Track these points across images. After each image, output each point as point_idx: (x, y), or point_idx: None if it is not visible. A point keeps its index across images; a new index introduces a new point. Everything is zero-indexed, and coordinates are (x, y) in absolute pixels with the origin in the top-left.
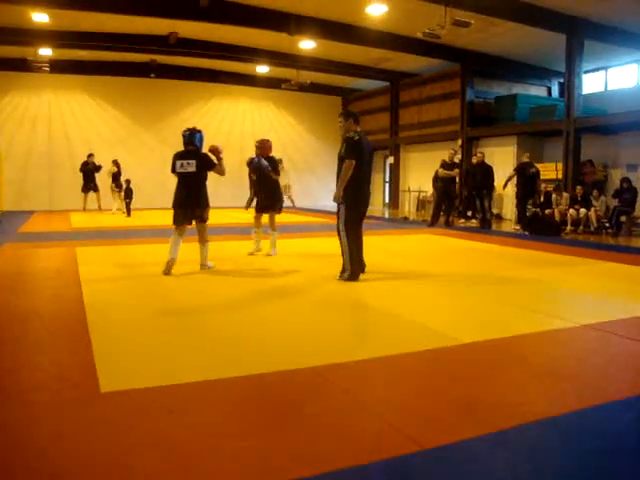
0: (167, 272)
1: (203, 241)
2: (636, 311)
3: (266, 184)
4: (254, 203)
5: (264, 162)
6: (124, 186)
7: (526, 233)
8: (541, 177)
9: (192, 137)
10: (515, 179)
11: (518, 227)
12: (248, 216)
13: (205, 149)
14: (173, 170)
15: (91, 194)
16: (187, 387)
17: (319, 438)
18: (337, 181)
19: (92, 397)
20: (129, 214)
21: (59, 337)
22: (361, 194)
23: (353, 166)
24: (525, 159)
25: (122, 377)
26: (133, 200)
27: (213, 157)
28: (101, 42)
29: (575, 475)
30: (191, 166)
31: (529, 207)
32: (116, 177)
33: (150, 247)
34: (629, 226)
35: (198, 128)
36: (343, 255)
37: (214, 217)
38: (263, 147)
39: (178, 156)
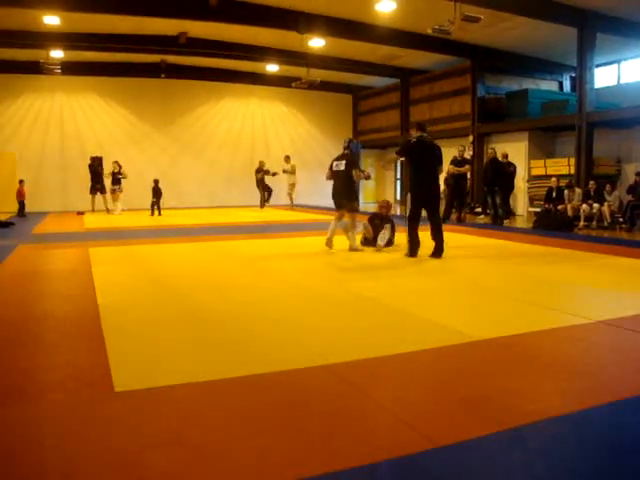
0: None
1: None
2: None
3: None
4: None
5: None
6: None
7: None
8: (550, 173)
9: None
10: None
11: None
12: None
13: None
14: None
15: (99, 196)
16: (201, 386)
17: (332, 436)
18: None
19: (106, 396)
20: (160, 213)
21: (73, 337)
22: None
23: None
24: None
25: (136, 376)
26: (162, 200)
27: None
28: (112, 43)
29: (591, 473)
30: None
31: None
32: (116, 177)
33: (163, 247)
34: None
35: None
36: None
37: (228, 216)
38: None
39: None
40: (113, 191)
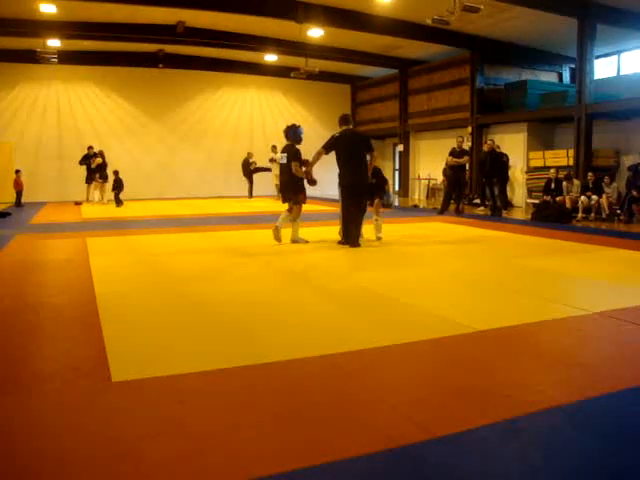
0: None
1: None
2: None
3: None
4: None
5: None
6: (109, 177)
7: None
8: (549, 164)
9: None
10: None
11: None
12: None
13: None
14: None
15: (95, 185)
16: (198, 376)
17: (329, 427)
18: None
19: (104, 386)
20: (118, 204)
21: (71, 327)
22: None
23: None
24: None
25: (133, 367)
26: (124, 190)
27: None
28: (109, 33)
29: (587, 463)
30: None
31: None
32: (101, 168)
33: (161, 237)
34: None
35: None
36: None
37: (226, 207)
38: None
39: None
40: (98, 181)
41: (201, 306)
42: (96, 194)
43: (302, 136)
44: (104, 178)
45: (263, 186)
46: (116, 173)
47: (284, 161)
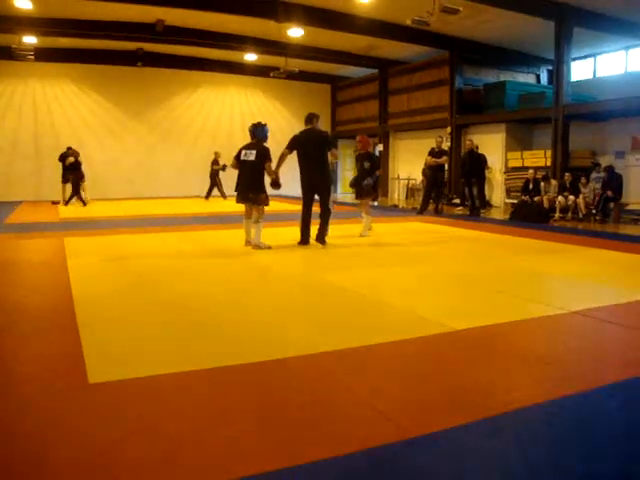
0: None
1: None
2: (624, 297)
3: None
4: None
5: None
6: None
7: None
8: (527, 164)
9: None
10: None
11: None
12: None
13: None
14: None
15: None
16: (175, 377)
17: (310, 427)
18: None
19: (80, 388)
20: (68, 202)
21: (47, 329)
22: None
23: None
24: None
25: (110, 368)
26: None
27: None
28: (87, 30)
29: (564, 460)
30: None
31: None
32: (75, 167)
33: (139, 237)
34: (617, 213)
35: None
36: (328, 225)
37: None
38: (364, 142)
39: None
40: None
41: (179, 307)
42: (82, 194)
43: (268, 134)
44: (81, 177)
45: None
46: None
47: (252, 158)
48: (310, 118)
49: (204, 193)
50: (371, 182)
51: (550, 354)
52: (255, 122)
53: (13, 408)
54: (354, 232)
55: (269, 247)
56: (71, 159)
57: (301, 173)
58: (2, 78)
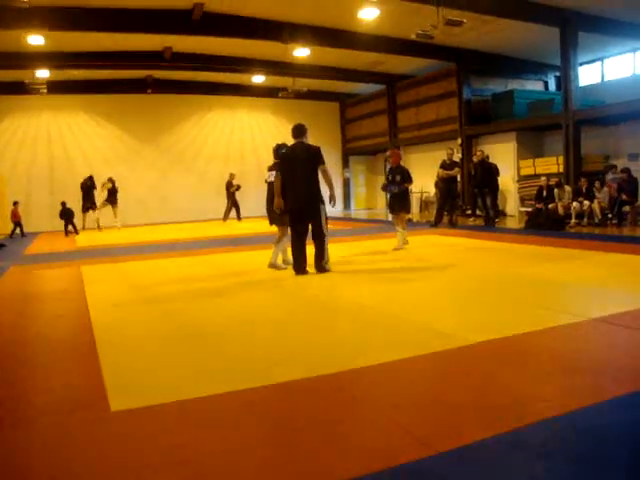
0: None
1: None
2: None
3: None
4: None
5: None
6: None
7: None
8: (539, 172)
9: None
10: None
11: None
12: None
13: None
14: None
15: (90, 213)
16: (198, 402)
17: (333, 446)
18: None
19: (103, 417)
20: (76, 232)
21: (68, 358)
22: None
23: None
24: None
25: (132, 395)
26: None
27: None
28: (97, 61)
29: (592, 471)
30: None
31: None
32: (112, 193)
33: (154, 262)
34: (633, 216)
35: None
36: (325, 250)
37: (220, 229)
38: (395, 156)
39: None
40: (112, 206)
41: (198, 331)
42: (115, 218)
43: None
44: (114, 203)
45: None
46: (63, 204)
47: (272, 179)
48: (299, 130)
49: (217, 216)
50: (397, 189)
51: (573, 362)
52: (279, 143)
53: (36, 439)
54: (373, 247)
55: (285, 268)
56: (109, 184)
57: (287, 195)
58: (16, 112)
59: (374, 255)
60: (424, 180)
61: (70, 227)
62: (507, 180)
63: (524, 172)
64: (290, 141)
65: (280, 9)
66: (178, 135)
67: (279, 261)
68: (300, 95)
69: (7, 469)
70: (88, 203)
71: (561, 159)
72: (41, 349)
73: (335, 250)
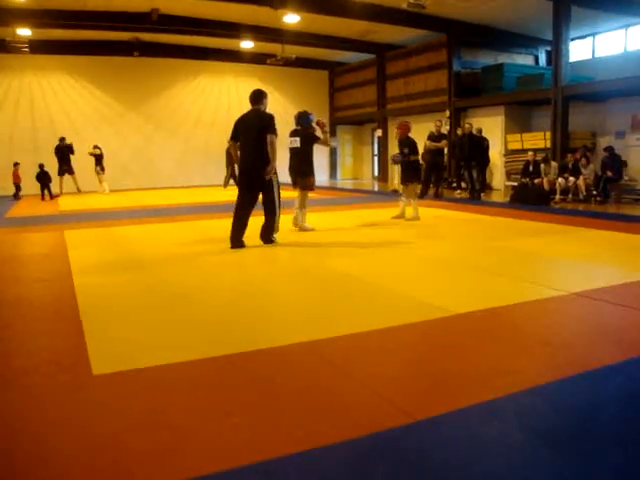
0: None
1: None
2: (625, 278)
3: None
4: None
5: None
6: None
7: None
8: (527, 147)
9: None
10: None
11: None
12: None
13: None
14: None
15: (67, 177)
16: (179, 367)
17: (313, 413)
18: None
19: (85, 380)
20: (51, 197)
21: (50, 321)
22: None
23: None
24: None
25: (114, 359)
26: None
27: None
28: (82, 21)
29: (566, 442)
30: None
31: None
32: (99, 160)
33: (138, 228)
34: (618, 194)
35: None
36: (275, 223)
37: (204, 196)
38: (403, 128)
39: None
40: (100, 173)
41: (182, 296)
42: (105, 185)
43: (312, 120)
44: (103, 169)
45: None
46: (41, 167)
47: (296, 145)
48: (255, 96)
49: (203, 182)
50: (400, 160)
51: (552, 336)
52: (301, 110)
53: (16, 400)
54: (361, 217)
55: (313, 229)
56: (96, 151)
57: (239, 166)
58: None
59: (361, 228)
60: None
61: (46, 191)
62: (494, 154)
63: (511, 146)
64: (273, 109)
65: None
66: (164, 100)
67: (306, 223)
68: (289, 62)
69: None
70: (65, 166)
71: (548, 135)
72: (22, 312)
73: (318, 219)
